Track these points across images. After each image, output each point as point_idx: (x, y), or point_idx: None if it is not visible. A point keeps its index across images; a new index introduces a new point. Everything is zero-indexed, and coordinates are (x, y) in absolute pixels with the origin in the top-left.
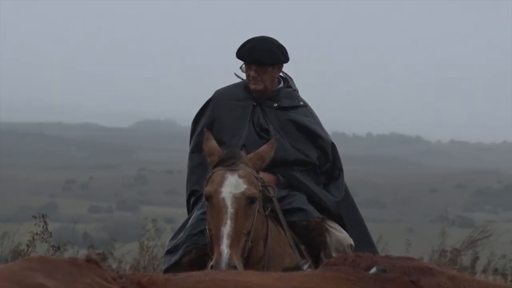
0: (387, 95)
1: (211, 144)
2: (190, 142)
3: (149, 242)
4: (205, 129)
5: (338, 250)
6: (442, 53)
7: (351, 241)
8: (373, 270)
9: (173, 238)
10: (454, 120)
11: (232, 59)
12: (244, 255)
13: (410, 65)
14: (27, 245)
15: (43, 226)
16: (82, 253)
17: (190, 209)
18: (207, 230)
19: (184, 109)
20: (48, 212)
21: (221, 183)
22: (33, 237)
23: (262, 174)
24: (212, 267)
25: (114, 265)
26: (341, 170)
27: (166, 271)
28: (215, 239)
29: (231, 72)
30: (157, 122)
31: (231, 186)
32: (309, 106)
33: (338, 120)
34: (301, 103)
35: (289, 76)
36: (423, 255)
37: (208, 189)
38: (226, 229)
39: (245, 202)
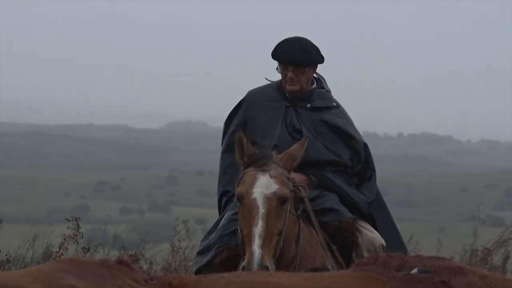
0: (417, 95)
1: (244, 143)
2: (222, 142)
3: (180, 243)
4: (237, 126)
5: (370, 250)
6: (472, 52)
7: (382, 241)
8: (415, 270)
9: (204, 238)
10: (484, 119)
11: (263, 62)
12: (276, 255)
13: (440, 63)
14: (59, 247)
15: (75, 228)
16: (113, 254)
17: (221, 210)
18: (239, 231)
19: (215, 110)
20: (79, 213)
21: (252, 184)
22: (64, 239)
23: (294, 175)
24: (243, 267)
25: (145, 267)
26: (373, 170)
27: (197, 271)
28: (247, 240)
29: (261, 73)
30: (188, 123)
31: (263, 186)
32: (342, 107)
33: (369, 120)
34: (334, 104)
35: (322, 77)
36: (454, 254)
37: (239, 189)
38: (258, 229)
39: (277, 202)
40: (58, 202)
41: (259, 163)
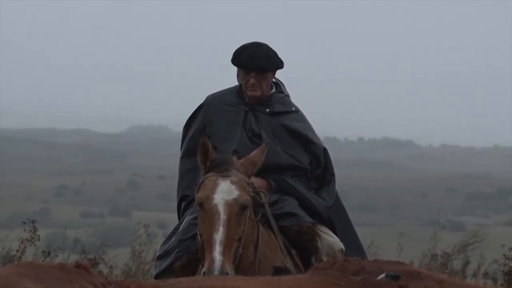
0: (378, 100)
1: (206, 146)
2: (182, 147)
3: (141, 247)
4: (197, 129)
5: (329, 254)
6: (434, 58)
7: (342, 246)
8: (382, 276)
9: (164, 243)
10: (445, 124)
11: (224, 65)
12: (235, 261)
13: (402, 69)
14: (17, 251)
15: (32, 231)
16: (73, 258)
17: (181, 214)
18: (198, 236)
19: (176, 114)
20: (40, 217)
21: (213, 189)
22: (21, 242)
23: (254, 179)
24: (204, 273)
25: (105, 271)
26: (332, 175)
27: (157, 276)
28: (207, 246)
29: (223, 77)
30: (149, 127)
31: (224, 192)
32: (301, 112)
33: (330, 125)
34: (293, 108)
35: (280, 82)
36: (414, 259)
37: (200, 195)
38: (219, 236)
39: (238, 208)
40: (20, 206)
41: (220, 168)
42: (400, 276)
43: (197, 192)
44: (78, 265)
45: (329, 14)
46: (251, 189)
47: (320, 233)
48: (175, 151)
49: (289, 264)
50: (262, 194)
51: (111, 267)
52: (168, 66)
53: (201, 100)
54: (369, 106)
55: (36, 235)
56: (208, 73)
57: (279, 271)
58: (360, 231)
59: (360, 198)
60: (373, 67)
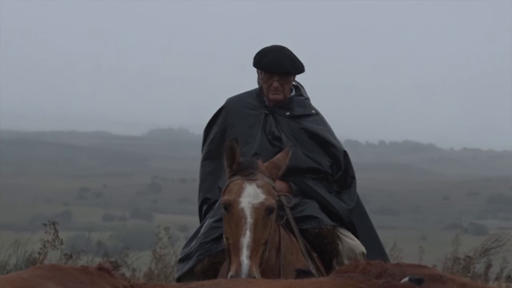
0: (400, 103)
1: (233, 148)
2: (202, 150)
3: (162, 250)
4: (217, 131)
5: (350, 257)
6: (456, 61)
7: (363, 249)
8: (406, 279)
9: (185, 246)
10: (466, 127)
11: (244, 70)
12: (262, 265)
13: (422, 72)
14: (39, 253)
15: (53, 234)
16: (96, 261)
17: (202, 217)
18: (224, 239)
19: (197, 117)
20: (62, 220)
21: (239, 193)
22: (44, 245)
23: (277, 183)
24: (231, 277)
25: (128, 274)
26: (353, 178)
27: (179, 279)
28: (234, 250)
29: (243, 81)
30: (170, 130)
31: (250, 196)
32: (321, 115)
33: (351, 128)
34: (313, 111)
35: (300, 85)
36: (436, 262)
37: (226, 198)
38: (246, 239)
39: (264, 212)
40: (41, 209)
41: (246, 172)
42: (424, 280)
43: (223, 196)
44: (100, 268)
45: (352, 19)
46: (276, 193)
47: (341, 236)
48: (196, 154)
49: (312, 267)
50: (285, 198)
51: (133, 270)
52: (189, 70)
53: (221, 103)
54: (390, 110)
55: (59, 238)
56: (228, 77)
57: (302, 273)
58: (381, 235)
59: (382, 201)
60: (394, 72)
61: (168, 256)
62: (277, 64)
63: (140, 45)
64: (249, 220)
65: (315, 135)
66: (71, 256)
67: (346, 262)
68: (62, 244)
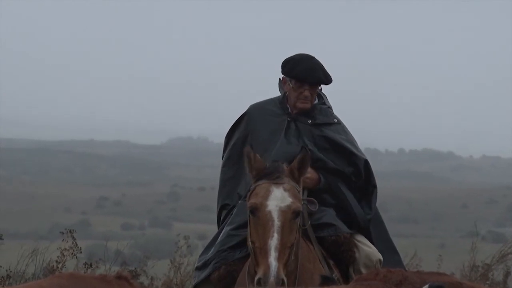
0: (419, 111)
1: (256, 158)
2: (223, 155)
3: (181, 259)
4: (246, 148)
5: (367, 265)
6: (474, 69)
7: (380, 256)
8: (426, 287)
9: (203, 253)
10: (486, 135)
11: (266, 78)
12: (288, 268)
13: (441, 80)
14: (56, 261)
15: (72, 242)
16: (114, 270)
17: (220, 223)
18: (250, 243)
19: (217, 125)
20: (81, 229)
21: (266, 196)
22: (62, 253)
23: (310, 171)
24: (259, 279)
25: (146, 282)
26: (374, 187)
27: (195, 286)
28: (261, 252)
29: (262, 90)
30: (189, 139)
31: (277, 199)
32: (343, 124)
33: (370, 136)
34: (335, 120)
35: (323, 93)
36: (455, 270)
37: (253, 201)
38: (273, 242)
39: (291, 215)
40: (60, 217)
41: (272, 176)
42: (443, 286)
43: (249, 199)
44: (119, 276)
45: (371, 24)
46: (301, 197)
47: (358, 243)
48: (216, 162)
49: (335, 275)
50: (310, 203)
51: (151, 278)
52: (209, 79)
53: (240, 111)
54: (410, 118)
55: (78, 247)
56: (248, 86)
57: (326, 280)
58: (400, 243)
59: (401, 209)
60: (413, 79)
61: (187, 265)
62: (310, 73)
63: (160, 53)
64: (277, 222)
65: (336, 143)
66: (90, 265)
67: (363, 269)
68: (81, 252)
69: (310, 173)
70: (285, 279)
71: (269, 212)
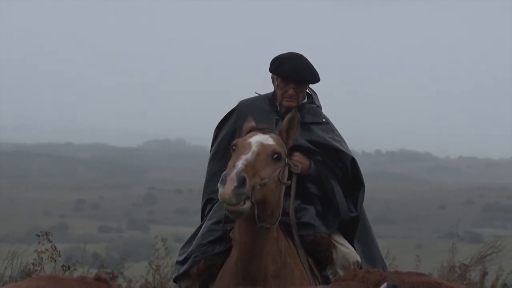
0: (396, 112)
1: (251, 123)
2: (211, 150)
3: (159, 261)
4: (250, 118)
5: (344, 266)
6: (451, 71)
7: (357, 258)
8: (384, 286)
9: (184, 247)
10: (462, 136)
11: (243, 79)
12: (254, 192)
13: (418, 81)
14: (33, 264)
15: (51, 246)
16: (92, 272)
17: (205, 217)
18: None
19: (194, 128)
20: (58, 232)
21: (250, 136)
22: (40, 256)
23: (298, 154)
24: (221, 178)
25: (124, 285)
26: (362, 185)
27: (175, 280)
28: (231, 165)
29: (241, 91)
30: (166, 141)
31: (260, 138)
32: (332, 123)
33: (347, 137)
34: (324, 120)
35: (314, 92)
36: (432, 271)
37: (236, 140)
38: (246, 156)
39: (270, 151)
40: (38, 221)
41: (261, 127)
42: (397, 286)
43: None
44: (98, 278)
45: (351, 26)
46: (286, 151)
47: (336, 244)
48: (193, 165)
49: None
50: (295, 165)
51: (129, 281)
52: (185, 82)
53: (218, 114)
54: (386, 119)
55: (57, 250)
56: (227, 88)
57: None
58: (378, 244)
59: (378, 210)
60: (390, 81)
61: (165, 267)
62: (294, 72)
63: (136, 56)
64: (254, 148)
65: (323, 144)
66: (68, 268)
67: (339, 270)
68: (59, 256)
69: (300, 158)
70: (247, 179)
71: (249, 142)
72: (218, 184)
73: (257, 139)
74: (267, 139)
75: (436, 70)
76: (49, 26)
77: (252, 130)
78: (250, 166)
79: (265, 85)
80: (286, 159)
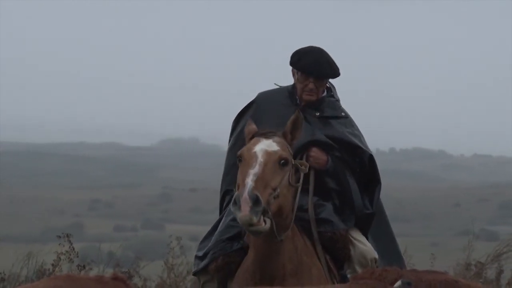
0: (410, 110)
1: (252, 126)
2: (229, 141)
3: (174, 260)
4: (248, 118)
5: (362, 263)
6: (465, 68)
7: (375, 255)
8: (398, 283)
9: (203, 241)
10: (477, 133)
11: (255, 77)
12: (268, 207)
13: (432, 79)
14: (52, 265)
15: (69, 246)
16: (107, 272)
17: (222, 209)
18: (236, 188)
19: (208, 127)
20: (73, 232)
21: (254, 144)
22: (59, 257)
23: (315, 150)
24: (234, 199)
25: (140, 284)
26: (379, 182)
27: (194, 274)
28: (241, 181)
29: (255, 90)
30: (180, 140)
31: (264, 145)
32: (350, 117)
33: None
34: (343, 114)
35: (332, 85)
36: (447, 269)
37: (241, 149)
38: (254, 170)
39: (277, 158)
40: (53, 220)
41: (263, 132)
42: (411, 284)
43: None
44: (115, 278)
45: (366, 23)
46: (291, 153)
47: (354, 241)
48: (207, 164)
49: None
50: (302, 165)
51: (145, 280)
52: (200, 80)
53: (232, 113)
54: (400, 117)
55: (74, 251)
56: (240, 87)
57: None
58: (396, 240)
59: (392, 208)
60: (404, 79)
61: (180, 266)
62: (315, 66)
63: (148, 55)
64: (260, 159)
65: (341, 140)
66: (83, 267)
67: (357, 267)
68: (77, 256)
69: (317, 153)
70: (260, 196)
71: (254, 152)
72: (233, 208)
73: (262, 147)
74: (271, 145)
75: (448, 67)
76: (58, 27)
77: (255, 135)
78: (259, 180)
79: (284, 80)
80: (293, 161)
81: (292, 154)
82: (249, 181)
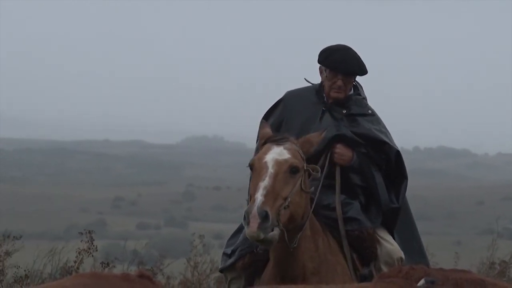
0: (434, 108)
1: (266, 130)
2: (257, 140)
3: (197, 258)
4: (262, 120)
5: (388, 262)
6: (489, 66)
7: (401, 254)
8: (422, 282)
9: (231, 238)
10: (501, 132)
11: (280, 75)
12: (278, 217)
13: (456, 77)
14: (75, 262)
15: (89, 242)
16: (131, 269)
17: None
18: (248, 199)
19: (232, 125)
20: (96, 229)
21: (265, 152)
22: (79, 253)
23: (340, 146)
24: (246, 212)
25: (163, 282)
26: (405, 178)
27: (221, 271)
28: (252, 195)
29: (280, 90)
30: (204, 138)
31: (275, 153)
32: (377, 115)
33: None
34: (370, 111)
35: (359, 84)
36: (471, 267)
37: (252, 158)
38: (264, 183)
39: (287, 167)
40: (76, 218)
41: (275, 138)
42: (435, 282)
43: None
44: (141, 275)
45: (389, 22)
46: (304, 160)
47: (381, 240)
48: (231, 162)
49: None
50: (314, 170)
51: (168, 277)
52: (224, 79)
53: (256, 112)
54: (424, 115)
55: (94, 245)
56: (264, 86)
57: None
58: (420, 238)
59: (416, 207)
60: (428, 77)
61: (203, 264)
62: (343, 63)
63: (175, 54)
64: (270, 170)
65: (368, 136)
66: (107, 265)
67: (383, 266)
68: (96, 250)
69: (342, 149)
70: (270, 213)
71: (265, 162)
72: (243, 223)
73: (272, 156)
74: (282, 153)
75: (474, 67)
76: (82, 25)
77: (267, 141)
78: (269, 193)
79: (313, 78)
80: (305, 165)
81: (304, 159)
82: (259, 196)
